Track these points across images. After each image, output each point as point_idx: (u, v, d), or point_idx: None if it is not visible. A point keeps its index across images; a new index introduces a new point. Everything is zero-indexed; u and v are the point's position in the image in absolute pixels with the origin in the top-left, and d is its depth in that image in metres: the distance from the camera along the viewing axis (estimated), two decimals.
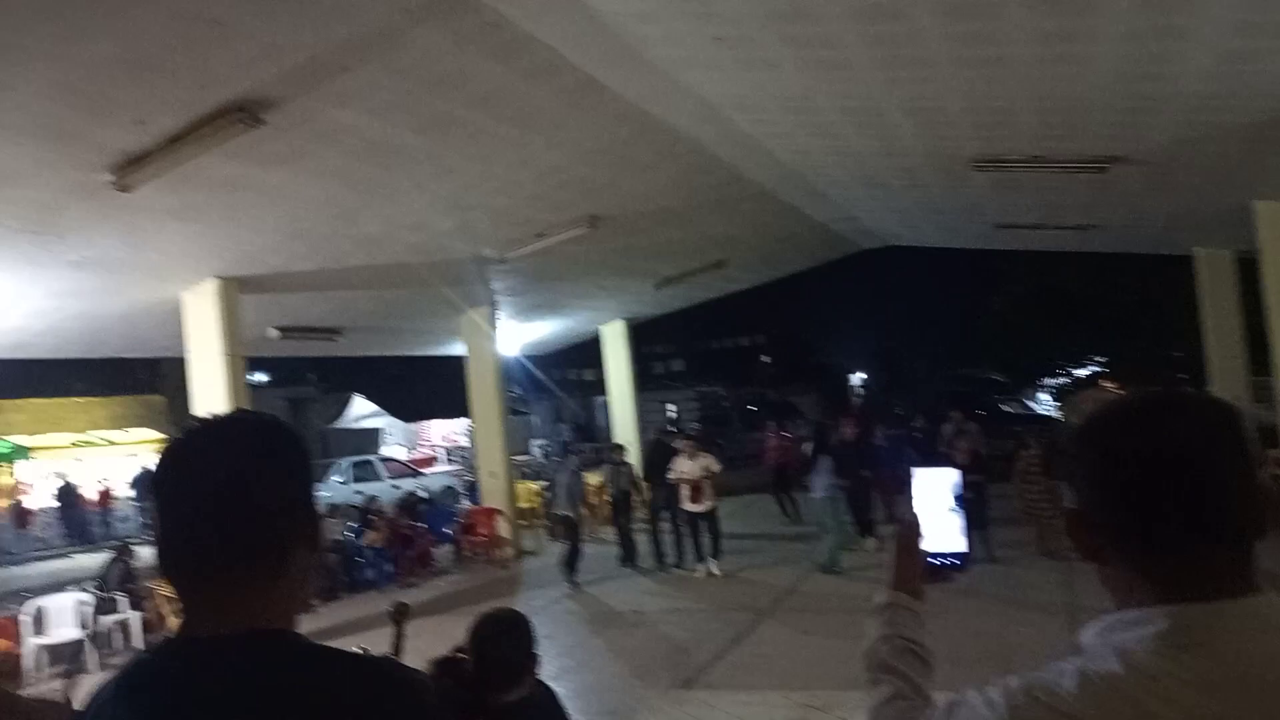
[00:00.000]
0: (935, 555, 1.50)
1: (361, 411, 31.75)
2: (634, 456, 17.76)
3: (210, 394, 10.06)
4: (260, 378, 31.82)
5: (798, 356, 45.70)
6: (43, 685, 8.92)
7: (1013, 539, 11.29)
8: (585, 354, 25.45)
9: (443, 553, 14.63)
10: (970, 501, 8.65)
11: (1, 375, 24.27)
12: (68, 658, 9.48)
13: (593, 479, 18.24)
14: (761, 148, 9.97)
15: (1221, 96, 6.94)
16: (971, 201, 12.22)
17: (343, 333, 14.29)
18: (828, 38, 6.52)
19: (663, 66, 7.44)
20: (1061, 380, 27.91)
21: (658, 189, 10.72)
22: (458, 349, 16.29)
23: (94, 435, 25.59)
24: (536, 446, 33.54)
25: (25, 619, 9.34)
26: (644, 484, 14.00)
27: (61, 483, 22.98)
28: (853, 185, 12.03)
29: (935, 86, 7.31)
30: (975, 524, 10.59)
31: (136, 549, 11.77)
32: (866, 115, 8.47)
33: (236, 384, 10.12)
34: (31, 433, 24.50)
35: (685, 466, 11.50)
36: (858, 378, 50.30)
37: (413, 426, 33.79)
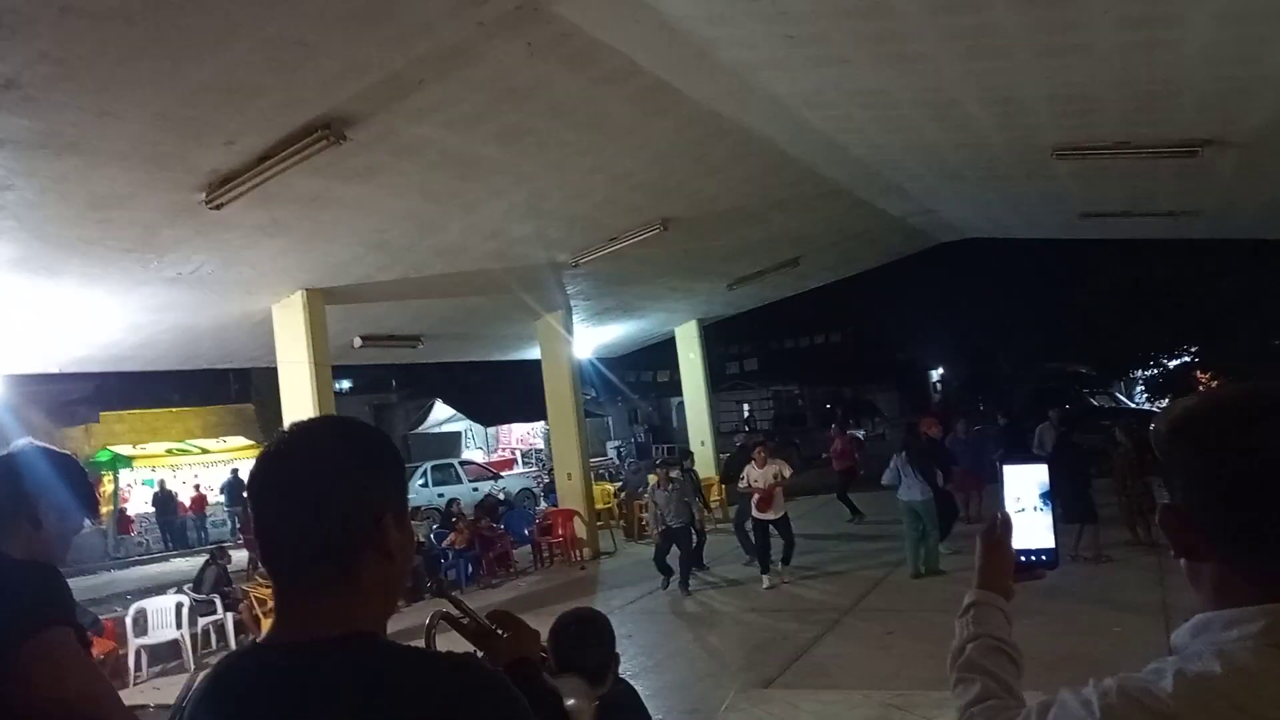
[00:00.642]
0: (1024, 553, 1.48)
1: (441, 416, 32.33)
2: (709, 456, 17.79)
3: (298, 402, 10.38)
4: (344, 385, 32.70)
5: (876, 353, 45.02)
6: (144, 684, 9.33)
7: (1112, 538, 10.95)
8: (659, 355, 25.54)
9: (521, 553, 14.84)
10: (1073, 496, 8.35)
11: (104, 388, 25.46)
12: (166, 657, 9.91)
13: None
14: (834, 144, 9.87)
15: None
16: (1054, 191, 11.89)
17: (423, 339, 14.59)
18: (901, 32, 6.43)
19: (733, 68, 7.43)
20: (1153, 372, 26.93)
21: (730, 189, 10.69)
22: (533, 353, 16.49)
23: (189, 444, 26.62)
24: (612, 448, 33.74)
25: (127, 620, 9.77)
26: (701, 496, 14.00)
27: (159, 490, 23.96)
28: (929, 178, 11.82)
29: (1014, 76, 7.14)
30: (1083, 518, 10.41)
31: (230, 553, 12.24)
32: (943, 107, 8.32)
33: (323, 392, 10.43)
34: (132, 443, 25.61)
35: (755, 474, 11.25)
36: (937, 374, 49.39)
37: (491, 430, 34.29)
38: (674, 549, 11.40)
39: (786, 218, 12.57)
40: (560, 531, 14.87)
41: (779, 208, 11.93)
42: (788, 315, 31.11)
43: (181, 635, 9.84)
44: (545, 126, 7.78)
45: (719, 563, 12.70)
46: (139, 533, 23.43)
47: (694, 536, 11.79)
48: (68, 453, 2.39)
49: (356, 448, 1.22)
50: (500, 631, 1.62)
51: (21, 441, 2.23)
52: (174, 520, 23.83)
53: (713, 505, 16.65)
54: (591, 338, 17.92)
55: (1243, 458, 1.05)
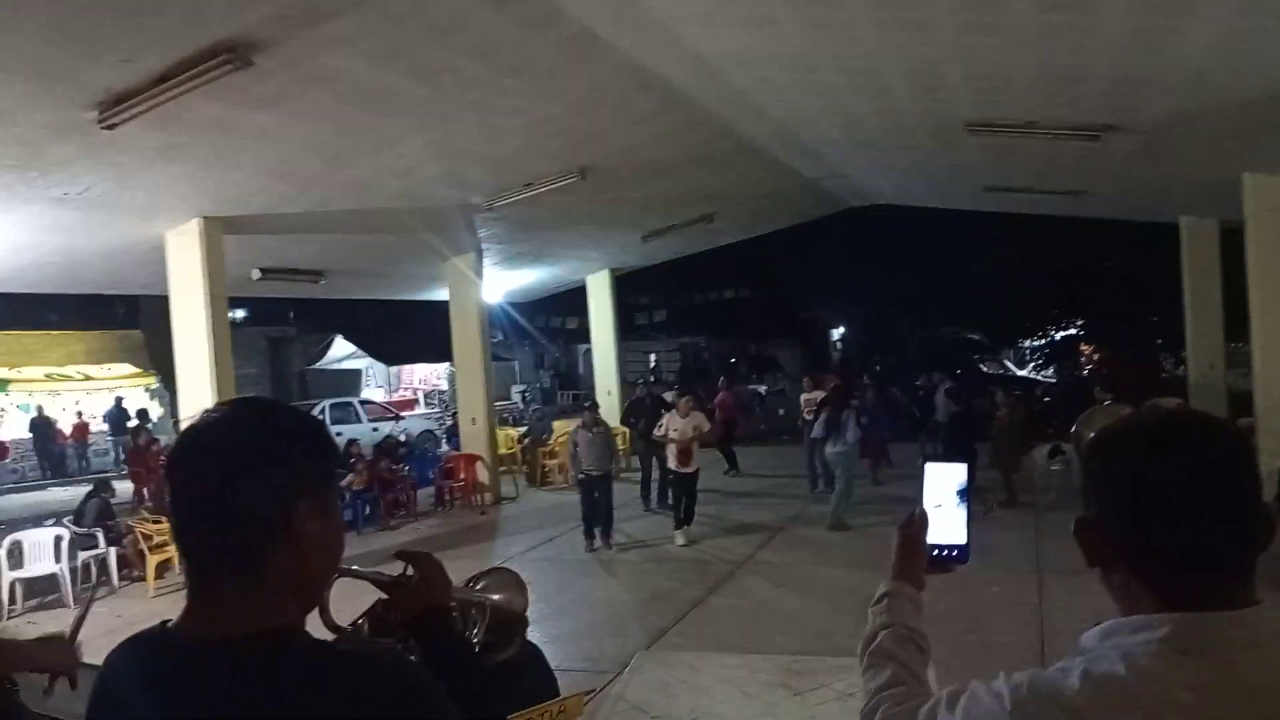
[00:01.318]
0: (937, 547, 1.54)
1: (341, 352, 31.59)
2: (615, 406, 17.86)
3: (191, 333, 10.00)
4: (239, 314, 31.55)
5: (781, 311, 45.75)
6: (18, 619, 8.98)
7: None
8: (569, 302, 25.40)
9: (423, 496, 14.73)
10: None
11: None
12: (44, 591, 9.54)
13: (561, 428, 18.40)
14: (755, 104, 9.88)
15: (1219, 72, 6.94)
16: (963, 164, 12.20)
17: (326, 275, 14.18)
18: None
19: (661, 20, 7.34)
20: (1041, 343, 28.18)
21: (649, 142, 10.62)
22: (441, 294, 16.21)
23: (71, 369, 25.37)
24: (518, 392, 33.61)
25: (1, 552, 9.35)
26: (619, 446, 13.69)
27: (36, 415, 22.83)
28: (844, 143, 11.97)
29: (935, 50, 7.26)
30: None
31: (114, 485, 11.78)
32: (864, 75, 8.41)
33: (218, 324, 10.05)
34: (7, 365, 24.26)
35: (676, 424, 10.85)
36: (838, 334, 50.57)
37: (393, 369, 33.71)
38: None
39: (703, 174, 12.58)
40: (462, 475, 14.79)
41: (696, 163, 11.92)
42: (698, 270, 31.32)
43: (60, 569, 9.46)
44: (464, 65, 7.55)
45: (619, 512, 12.87)
46: (14, 459, 22.30)
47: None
48: None
49: (268, 434, 1.17)
50: (408, 573, 1.53)
51: None
52: (53, 448, 22.76)
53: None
54: (502, 282, 17.71)
55: (1146, 479, 1.12)
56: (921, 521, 1.53)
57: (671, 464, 11.02)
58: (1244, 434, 1.19)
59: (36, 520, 10.90)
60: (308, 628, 1.20)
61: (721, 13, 7.19)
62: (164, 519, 9.98)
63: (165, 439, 17.93)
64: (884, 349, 38.18)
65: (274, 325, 32.20)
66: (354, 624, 1.55)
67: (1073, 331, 26.31)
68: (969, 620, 7.49)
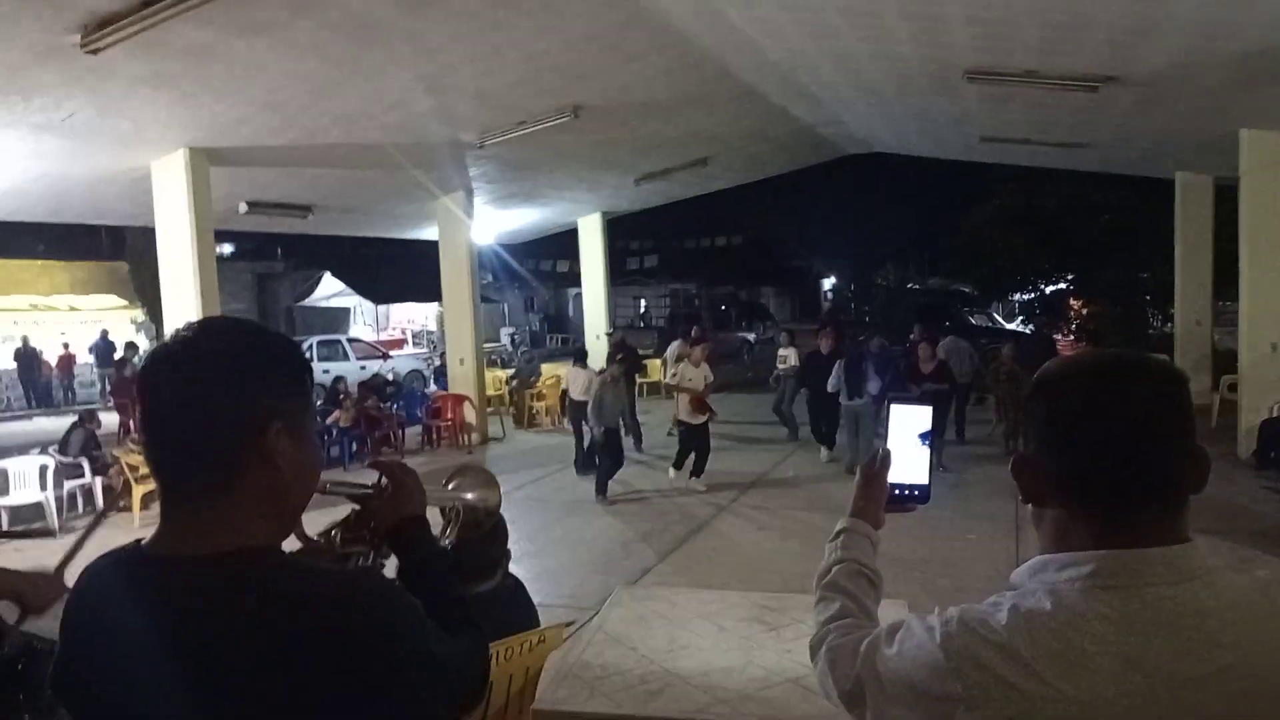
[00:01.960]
0: (899, 486, 1.55)
1: (330, 290, 31.40)
2: (603, 350, 17.75)
3: (177, 265, 9.90)
4: (226, 249, 31.25)
5: (772, 258, 45.63)
6: (3, 544, 9.02)
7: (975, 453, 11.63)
8: (560, 245, 25.25)
9: (409, 436, 14.77)
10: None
11: None
12: (29, 519, 9.57)
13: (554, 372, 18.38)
14: (754, 45, 9.73)
15: (1221, 23, 6.87)
16: (960, 112, 12.08)
17: (313, 210, 14.02)
18: None
19: None
20: (1030, 296, 28.23)
21: (645, 81, 10.45)
22: (430, 233, 16.07)
23: (55, 299, 25.15)
24: (506, 334, 33.56)
25: None
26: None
27: (21, 346, 22.69)
28: (843, 89, 11.82)
29: None
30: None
31: (100, 416, 11.77)
32: (865, 17, 8.28)
33: (204, 257, 9.95)
34: None
35: (691, 373, 10.41)
36: (828, 283, 50.56)
37: (381, 308, 33.58)
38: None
39: (698, 116, 12.42)
40: (450, 415, 14.82)
41: (692, 105, 11.76)
42: (690, 215, 31.11)
43: (46, 498, 9.48)
44: None
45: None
46: None
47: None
48: None
49: (244, 352, 1.15)
50: (382, 484, 1.50)
51: None
52: (37, 378, 22.67)
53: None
54: (493, 222, 17.56)
55: (1084, 416, 1.14)
56: (884, 461, 1.54)
57: (683, 415, 10.49)
58: (1181, 374, 1.19)
59: (21, 449, 10.89)
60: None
61: None
62: None
63: None
64: (873, 299, 38.20)
65: (261, 261, 31.96)
66: (324, 533, 1.53)
67: (1062, 286, 26.35)
68: (943, 565, 7.64)
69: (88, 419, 10.95)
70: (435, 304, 32.32)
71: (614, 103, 10.91)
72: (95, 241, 27.33)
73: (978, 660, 1.08)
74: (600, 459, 10.39)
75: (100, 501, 10.08)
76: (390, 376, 20.28)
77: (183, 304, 9.84)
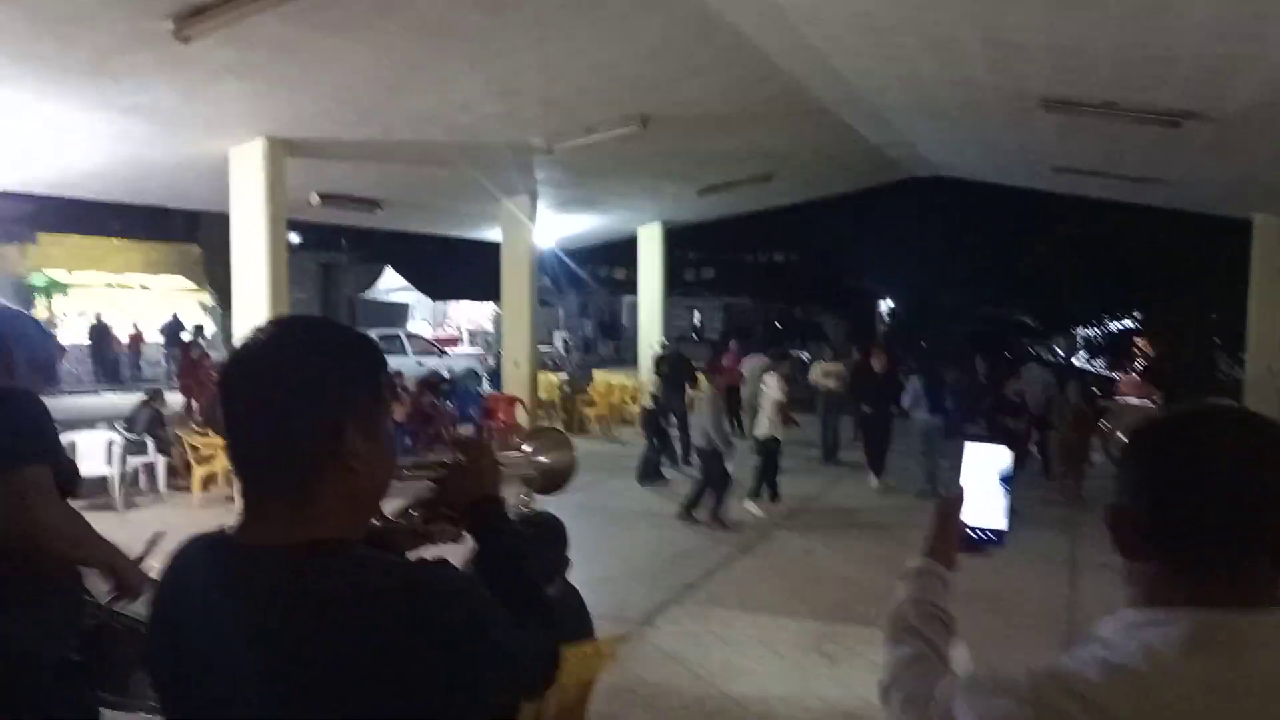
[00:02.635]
0: (975, 529, 1.54)
1: (391, 284, 31.92)
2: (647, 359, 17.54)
3: (249, 252, 10.14)
4: (293, 238, 31.92)
5: (829, 278, 45.24)
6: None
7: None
8: (618, 252, 25.34)
9: (461, 433, 14.92)
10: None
11: (43, 211, 24.55)
12: (92, 494, 9.85)
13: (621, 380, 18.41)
14: (827, 63, 9.69)
15: None
16: (1033, 141, 11.89)
17: (381, 205, 14.29)
18: None
19: None
20: (1095, 332, 27.58)
21: (714, 94, 10.47)
22: (493, 234, 16.24)
23: (129, 278, 25.91)
24: (560, 338, 33.77)
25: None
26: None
27: (96, 322, 23.43)
28: (913, 111, 11.71)
29: (1018, 19, 7.05)
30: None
31: (166, 396, 12.10)
32: (941, 42, 8.19)
33: (276, 244, 10.19)
34: (69, 268, 24.85)
35: (776, 388, 10.33)
36: (885, 306, 49.94)
37: (440, 305, 34.02)
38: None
39: (765, 131, 12.39)
40: (501, 416, 14.95)
41: (759, 120, 11.74)
42: (749, 230, 31.00)
43: (111, 472, 9.76)
44: (531, 2, 7.48)
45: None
46: (71, 363, 22.96)
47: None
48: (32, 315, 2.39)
49: (318, 354, 1.18)
50: (460, 461, 1.51)
51: None
52: (108, 355, 23.40)
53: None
54: (554, 227, 17.69)
55: (1189, 468, 1.11)
56: (957, 500, 1.53)
57: (768, 430, 10.33)
58: None
59: (90, 424, 11.27)
60: None
61: None
62: (211, 432, 10.28)
63: (216, 355, 18.32)
64: (932, 325, 37.64)
65: (327, 251, 32.60)
66: (405, 512, 1.57)
67: (1128, 323, 25.71)
68: (991, 600, 7.49)
69: (154, 398, 11.28)
70: (492, 304, 32.78)
71: (681, 114, 10.94)
72: (170, 223, 28.09)
73: (1069, 718, 1.05)
74: (712, 480, 9.81)
75: (162, 480, 10.37)
76: (446, 374, 20.53)
77: (253, 290, 10.08)
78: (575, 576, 7.31)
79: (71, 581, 2.39)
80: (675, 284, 29.64)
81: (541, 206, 15.34)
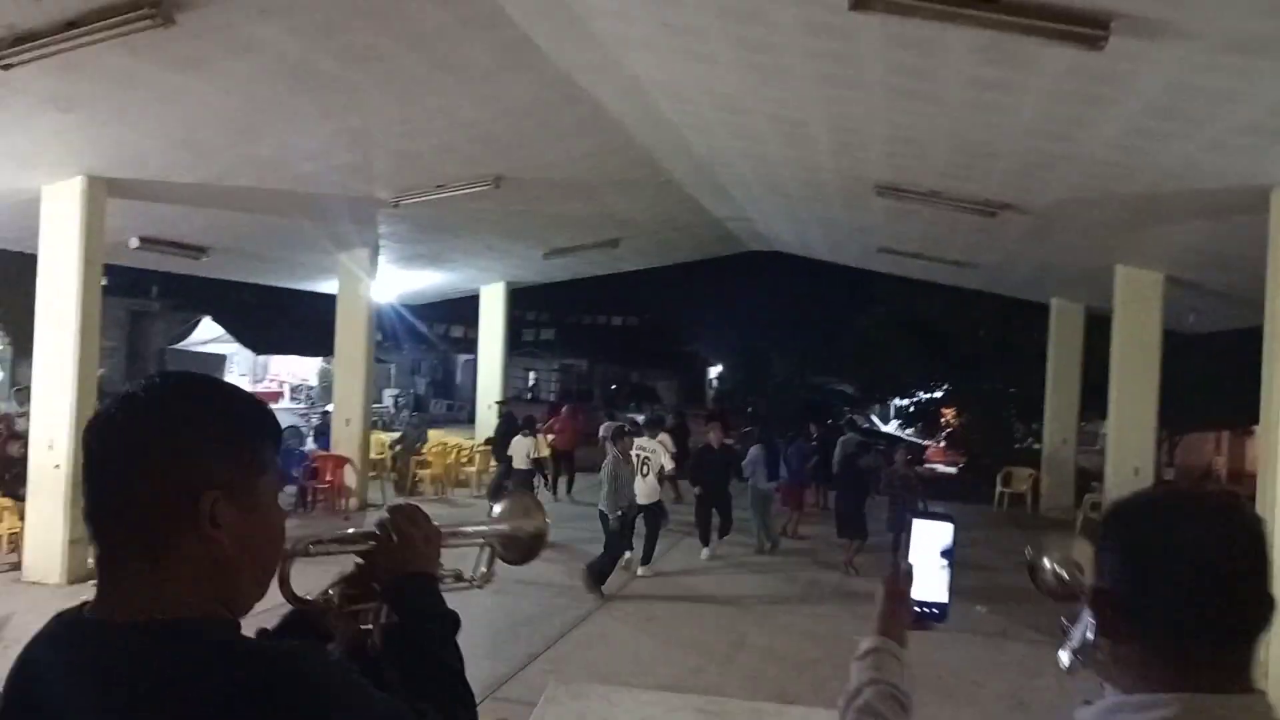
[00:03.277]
0: (918, 603, 1.55)
1: (208, 335, 30.06)
2: (493, 421, 17.24)
3: (57, 296, 9.25)
4: None
5: (663, 342, 46.21)
6: None
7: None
8: (456, 309, 24.95)
9: (283, 496, 14.06)
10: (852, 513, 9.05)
11: None
12: None
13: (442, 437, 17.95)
14: (680, 137, 9.99)
15: (1118, 165, 7.44)
16: (864, 223, 12.65)
17: (209, 252, 13.45)
18: (773, 43, 6.58)
19: (604, 39, 7.34)
20: (907, 402, 29.40)
21: (569, 159, 10.58)
22: (327, 286, 15.62)
23: None
24: (390, 396, 32.70)
25: None
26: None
27: None
28: (757, 188, 12.23)
29: (864, 109, 7.51)
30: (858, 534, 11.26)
31: None
32: (791, 125, 8.62)
33: (89, 291, 9.32)
34: None
35: (666, 456, 10.61)
36: (715, 371, 51.45)
37: (261, 359, 32.31)
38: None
39: (616, 198, 12.61)
40: (329, 477, 14.21)
41: (611, 187, 11.94)
42: (589, 292, 31.32)
43: None
44: (397, 55, 7.33)
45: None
46: None
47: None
48: None
49: (182, 411, 1.09)
50: (390, 532, 1.38)
51: None
52: None
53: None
54: (394, 281, 17.22)
55: (1165, 551, 1.13)
56: (908, 576, 1.54)
57: (651, 496, 10.49)
58: (1259, 515, 1.21)
59: None
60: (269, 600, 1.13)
61: (664, 42, 7.25)
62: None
63: (3, 405, 16.60)
64: (759, 391, 39.02)
65: (135, 298, 30.35)
66: (324, 593, 1.41)
67: (938, 394, 27.54)
68: (837, 668, 7.65)
69: None
70: (319, 359, 31.42)
71: (536, 176, 10.97)
72: None
73: None
74: (613, 545, 9.80)
75: None
76: None
77: (58, 338, 9.19)
78: None
79: None
80: (514, 344, 29.47)
81: (383, 261, 14.92)
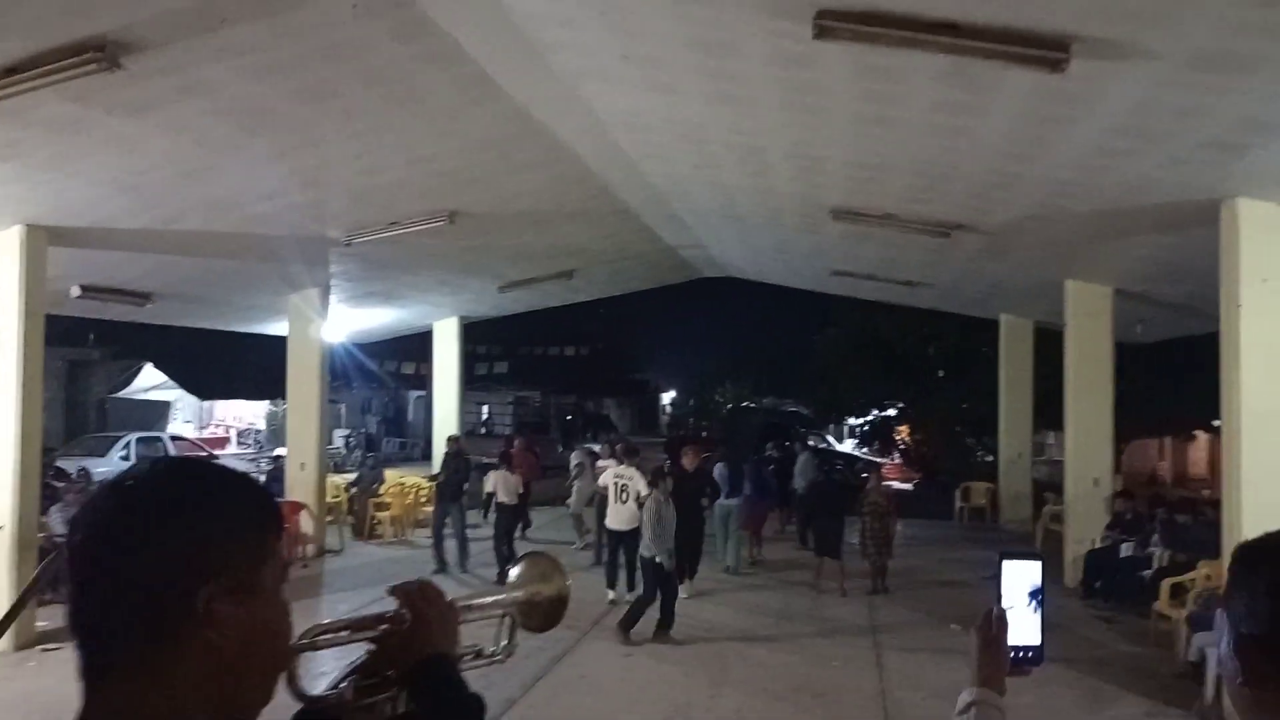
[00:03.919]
0: (1013, 648, 1.49)
1: (150, 382, 29.20)
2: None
3: None
4: None
5: (616, 370, 46.17)
6: None
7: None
8: (406, 346, 24.63)
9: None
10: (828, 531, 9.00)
11: None
12: None
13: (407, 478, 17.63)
14: (636, 168, 9.99)
15: (1072, 184, 7.58)
16: (819, 247, 12.76)
17: (153, 298, 13.07)
18: (735, 73, 6.60)
19: (562, 74, 7.30)
20: (863, 421, 29.69)
21: (526, 192, 10.51)
22: (278, 329, 15.27)
23: None
24: (341, 436, 32.06)
25: None
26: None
27: None
28: (713, 216, 12.28)
29: (825, 136, 7.56)
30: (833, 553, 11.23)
31: None
32: (749, 152, 8.66)
33: (31, 344, 8.94)
34: None
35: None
36: (669, 397, 51.53)
37: (205, 404, 31.49)
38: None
39: (572, 229, 12.56)
40: (284, 524, 13.79)
41: (568, 218, 11.89)
42: (541, 323, 31.17)
43: None
44: (353, 92, 7.21)
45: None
46: None
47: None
48: None
49: (176, 506, 0.98)
50: (403, 614, 1.30)
51: None
52: None
53: None
54: (346, 320, 16.92)
55: None
56: (1001, 623, 1.48)
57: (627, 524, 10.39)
58: None
59: None
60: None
61: (623, 74, 7.23)
62: None
63: None
64: (713, 415, 39.13)
65: (73, 346, 29.40)
66: (336, 687, 1.29)
67: (892, 413, 27.82)
68: (814, 697, 7.66)
69: None
70: (266, 401, 30.69)
71: (492, 211, 10.88)
72: None
73: None
74: (652, 590, 9.34)
75: None
76: None
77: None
78: None
79: None
80: (468, 378, 29.13)
81: (334, 300, 14.64)
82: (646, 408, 48.61)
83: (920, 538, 15.10)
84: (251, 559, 1.01)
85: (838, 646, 9.15)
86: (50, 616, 8.21)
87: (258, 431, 31.07)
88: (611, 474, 10.74)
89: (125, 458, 19.17)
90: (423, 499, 17.08)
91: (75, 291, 11.44)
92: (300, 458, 14.46)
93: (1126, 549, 10.46)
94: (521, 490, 13.18)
